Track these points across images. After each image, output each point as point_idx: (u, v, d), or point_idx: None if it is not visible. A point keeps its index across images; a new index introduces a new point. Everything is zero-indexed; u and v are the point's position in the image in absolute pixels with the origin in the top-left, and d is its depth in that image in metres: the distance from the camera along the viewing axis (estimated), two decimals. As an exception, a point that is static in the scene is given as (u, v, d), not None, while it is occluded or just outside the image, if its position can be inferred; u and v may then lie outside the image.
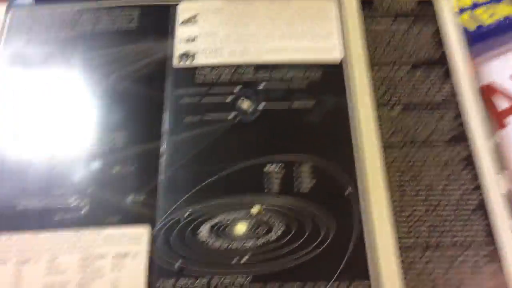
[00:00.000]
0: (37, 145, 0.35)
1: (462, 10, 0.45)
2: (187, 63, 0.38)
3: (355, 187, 0.33)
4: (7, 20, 0.41)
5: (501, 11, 0.45)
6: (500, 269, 0.31)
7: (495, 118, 0.41)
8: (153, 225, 0.32)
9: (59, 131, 0.36)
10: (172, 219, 0.32)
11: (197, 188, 0.33)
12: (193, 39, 0.39)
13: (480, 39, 0.44)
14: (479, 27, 0.44)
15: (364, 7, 0.40)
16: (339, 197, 0.32)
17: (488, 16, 0.45)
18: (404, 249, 0.31)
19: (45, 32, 0.40)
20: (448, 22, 0.40)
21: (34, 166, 0.34)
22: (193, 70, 0.38)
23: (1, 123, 0.36)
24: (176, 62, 0.38)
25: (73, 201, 0.33)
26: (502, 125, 0.41)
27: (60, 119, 0.36)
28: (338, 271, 0.30)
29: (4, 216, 0.32)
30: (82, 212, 0.32)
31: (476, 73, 0.43)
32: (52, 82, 0.38)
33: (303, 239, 0.31)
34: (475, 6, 0.46)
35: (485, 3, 0.46)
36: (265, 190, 0.33)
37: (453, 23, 0.40)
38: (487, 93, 0.43)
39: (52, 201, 0.33)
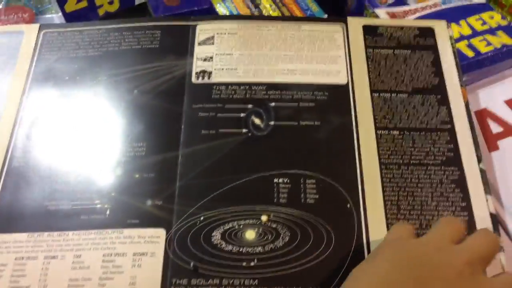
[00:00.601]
0: (65, 153, 0.38)
1: (461, 38, 0.48)
2: (204, 80, 0.41)
3: (355, 202, 0.35)
4: (40, 39, 0.44)
5: (497, 41, 0.48)
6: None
7: (489, 141, 0.44)
8: (169, 228, 0.34)
9: (85, 141, 0.38)
10: (188, 223, 0.34)
11: (211, 195, 0.35)
12: (210, 58, 0.42)
13: (477, 66, 0.47)
14: (476, 54, 0.47)
15: (368, 34, 0.43)
16: (340, 210, 0.35)
17: (484, 45, 0.48)
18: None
19: (75, 50, 0.43)
20: (446, 51, 0.43)
21: (63, 172, 0.37)
22: (210, 87, 0.40)
23: (34, 134, 0.39)
24: (194, 79, 0.41)
25: (97, 204, 0.35)
26: (494, 148, 0.44)
27: (86, 130, 0.39)
28: (337, 279, 0.32)
29: (36, 216, 0.35)
30: (105, 214, 0.35)
31: (473, 98, 0.46)
32: (80, 96, 0.41)
33: (306, 247, 0.34)
34: (473, 35, 0.49)
35: (482, 33, 0.49)
36: (274, 201, 0.35)
37: (450, 53, 0.43)
38: (482, 117, 0.46)
39: (79, 204, 0.35)
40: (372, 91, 0.40)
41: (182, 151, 0.37)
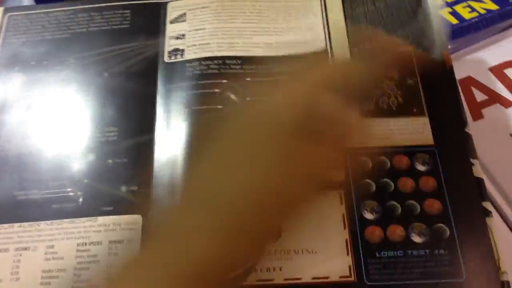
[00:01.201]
0: (34, 140, 0.36)
1: (445, 4, 0.47)
2: (177, 58, 0.39)
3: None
4: (4, 22, 0.42)
5: (481, 6, 0.47)
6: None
7: (473, 110, 0.43)
8: (145, 213, 0.33)
9: (55, 127, 0.37)
10: (165, 207, 0.33)
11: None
12: (183, 36, 0.40)
13: (461, 33, 0.46)
14: (460, 21, 0.46)
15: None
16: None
17: (468, 11, 0.47)
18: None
19: (41, 32, 0.41)
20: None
21: (33, 160, 0.35)
22: (183, 64, 0.39)
23: (0, 122, 0.37)
24: (167, 58, 0.39)
25: (69, 192, 0.34)
26: (479, 116, 0.43)
27: (56, 116, 0.37)
28: None
29: (5, 207, 0.34)
30: (78, 202, 0.34)
31: (457, 66, 0.44)
32: (48, 81, 0.39)
33: None
34: (456, 1, 0.47)
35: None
36: None
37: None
38: (466, 85, 0.45)
39: (50, 192, 0.34)
40: (352, 54, 0.39)
41: (157, 133, 0.36)
